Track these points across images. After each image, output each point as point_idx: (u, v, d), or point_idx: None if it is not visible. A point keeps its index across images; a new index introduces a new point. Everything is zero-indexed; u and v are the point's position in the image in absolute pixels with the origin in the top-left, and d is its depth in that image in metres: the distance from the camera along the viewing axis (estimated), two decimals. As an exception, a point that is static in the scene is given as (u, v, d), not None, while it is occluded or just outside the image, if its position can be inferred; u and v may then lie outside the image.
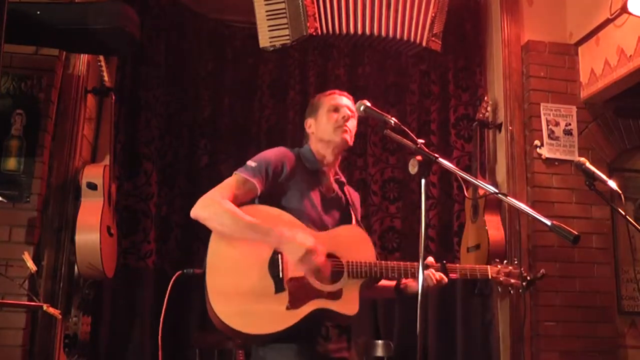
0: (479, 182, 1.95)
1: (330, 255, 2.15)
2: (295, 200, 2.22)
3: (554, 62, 3.93)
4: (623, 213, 2.44)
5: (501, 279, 2.35)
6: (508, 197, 1.87)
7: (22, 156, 3.20)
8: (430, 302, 3.90)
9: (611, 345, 3.66)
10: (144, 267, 3.77)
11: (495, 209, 3.75)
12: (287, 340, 2.04)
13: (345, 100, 2.37)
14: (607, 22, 3.61)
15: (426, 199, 1.90)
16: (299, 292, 2.07)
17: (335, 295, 2.11)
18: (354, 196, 2.46)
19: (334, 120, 2.31)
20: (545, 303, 3.62)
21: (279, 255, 2.08)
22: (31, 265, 2.79)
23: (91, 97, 3.64)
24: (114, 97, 3.58)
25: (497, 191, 1.89)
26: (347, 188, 2.43)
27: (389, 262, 2.21)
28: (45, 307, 2.64)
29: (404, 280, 2.33)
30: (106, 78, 3.44)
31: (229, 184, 2.18)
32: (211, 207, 2.11)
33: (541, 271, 2.45)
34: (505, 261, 2.43)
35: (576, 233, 1.67)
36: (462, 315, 3.89)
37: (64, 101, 3.40)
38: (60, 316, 2.80)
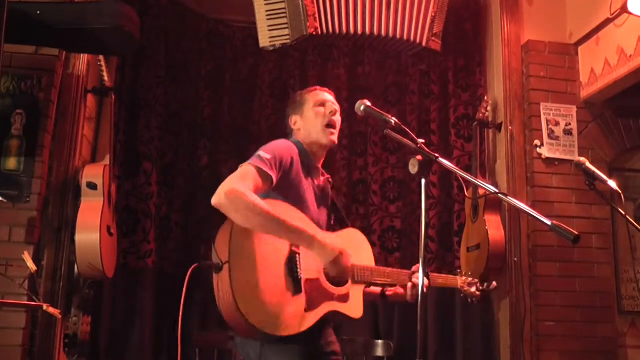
0: (479, 182, 1.95)
1: None
2: (299, 195, 2.23)
3: (554, 62, 3.93)
4: (623, 213, 2.44)
5: (465, 289, 2.59)
6: (508, 197, 1.87)
7: (22, 156, 3.20)
8: (430, 302, 3.90)
9: (611, 345, 3.66)
10: (143, 267, 3.76)
11: (496, 208, 3.74)
12: (291, 341, 2.02)
13: (328, 95, 2.41)
14: (607, 21, 3.61)
15: (426, 199, 1.90)
16: (314, 293, 2.09)
17: (345, 298, 2.16)
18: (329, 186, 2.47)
19: (322, 115, 2.33)
20: (545, 303, 3.62)
21: (298, 256, 2.08)
22: (31, 265, 2.78)
23: (91, 97, 3.64)
24: (114, 97, 3.58)
25: (497, 191, 1.89)
26: (327, 181, 2.44)
27: (386, 269, 2.31)
28: (45, 307, 2.63)
29: (391, 289, 2.40)
30: (106, 78, 3.44)
31: (251, 175, 2.07)
32: (239, 200, 1.99)
33: (493, 283, 2.64)
34: (470, 273, 2.65)
35: (576, 233, 1.67)
36: (462, 315, 3.88)
37: (64, 101, 3.39)
38: (60, 316, 2.79)
